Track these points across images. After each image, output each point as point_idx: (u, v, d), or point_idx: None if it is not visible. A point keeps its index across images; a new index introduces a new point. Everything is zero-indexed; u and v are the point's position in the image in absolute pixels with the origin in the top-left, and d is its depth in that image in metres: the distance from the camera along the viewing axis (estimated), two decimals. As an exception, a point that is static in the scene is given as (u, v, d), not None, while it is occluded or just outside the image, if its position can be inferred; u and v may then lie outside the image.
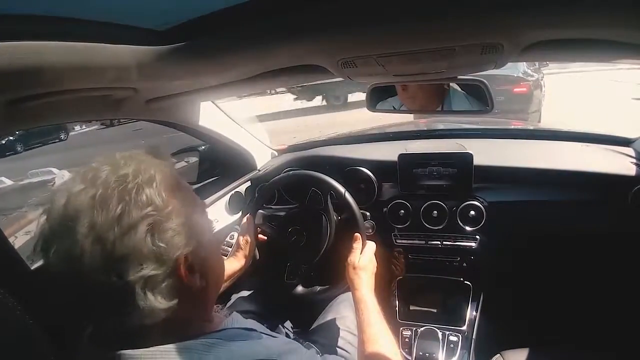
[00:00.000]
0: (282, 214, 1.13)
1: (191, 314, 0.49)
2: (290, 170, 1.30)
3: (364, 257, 0.89)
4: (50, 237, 0.42)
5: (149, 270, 0.41)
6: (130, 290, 0.40)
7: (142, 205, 0.41)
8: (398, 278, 1.28)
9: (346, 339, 0.96)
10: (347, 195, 1.00)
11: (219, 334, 0.49)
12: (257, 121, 1.50)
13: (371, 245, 0.93)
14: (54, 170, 6.49)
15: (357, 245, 0.92)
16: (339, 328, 0.99)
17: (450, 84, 0.92)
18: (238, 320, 0.57)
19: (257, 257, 1.07)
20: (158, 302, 0.42)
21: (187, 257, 0.45)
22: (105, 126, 17.04)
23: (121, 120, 16.11)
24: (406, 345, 1.11)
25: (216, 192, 1.27)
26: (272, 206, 1.30)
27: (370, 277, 0.88)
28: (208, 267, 0.50)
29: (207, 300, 0.53)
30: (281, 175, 1.15)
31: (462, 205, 1.16)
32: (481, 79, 0.84)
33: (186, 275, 0.45)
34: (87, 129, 17.59)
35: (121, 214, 0.40)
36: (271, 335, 0.60)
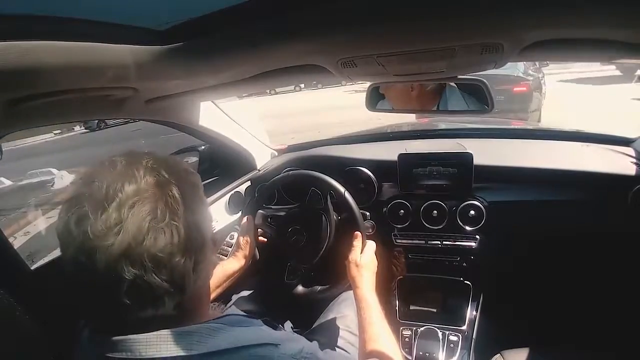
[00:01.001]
0: (282, 214, 1.13)
1: (199, 296, 0.52)
2: (290, 170, 1.30)
3: (365, 255, 0.90)
4: (123, 205, 0.40)
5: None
6: (206, 244, 0.48)
7: (198, 184, 0.51)
8: (398, 278, 1.28)
9: (346, 339, 0.96)
10: (347, 195, 1.00)
11: (221, 319, 0.50)
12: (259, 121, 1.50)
13: (371, 244, 0.93)
14: (53, 170, 6.47)
15: (357, 243, 0.92)
16: (339, 328, 0.99)
17: (447, 83, 0.92)
18: (237, 311, 0.59)
19: (257, 257, 1.07)
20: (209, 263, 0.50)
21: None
22: (89, 130, 16.58)
23: (108, 123, 15.91)
24: (406, 345, 1.12)
25: (216, 192, 1.27)
26: (272, 206, 1.30)
27: (372, 275, 0.88)
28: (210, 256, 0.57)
29: (208, 288, 0.57)
30: (281, 175, 1.15)
31: (462, 205, 1.16)
32: (481, 79, 0.84)
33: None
34: (70, 134, 17.22)
35: (195, 186, 0.49)
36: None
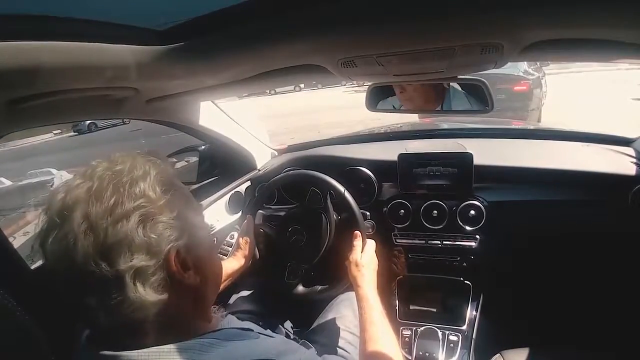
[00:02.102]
0: (282, 214, 1.13)
1: (187, 311, 0.49)
2: (290, 170, 1.30)
3: (365, 254, 0.90)
4: (48, 229, 0.43)
5: (139, 260, 0.42)
6: (120, 279, 0.41)
7: (135, 197, 0.43)
8: (398, 278, 1.28)
9: (346, 339, 0.96)
10: (347, 194, 1.00)
11: (216, 333, 0.49)
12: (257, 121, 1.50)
13: (372, 243, 0.93)
14: (53, 170, 6.44)
15: (358, 242, 0.92)
16: (338, 328, 0.99)
17: (451, 83, 0.92)
18: (234, 321, 0.58)
19: (257, 257, 1.07)
20: (148, 294, 0.43)
21: (180, 252, 0.46)
22: (78, 133, 16.11)
23: (98, 126, 15.67)
24: (406, 345, 1.12)
25: (216, 192, 1.27)
26: (271, 206, 1.30)
27: (373, 274, 0.88)
28: (203, 265, 0.50)
29: (205, 298, 0.53)
30: (281, 174, 1.15)
31: (462, 205, 1.16)
32: (481, 79, 0.84)
33: (178, 270, 0.45)
34: (69, 135, 16.81)
35: (114, 204, 0.42)
36: (269, 336, 0.60)
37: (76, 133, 16.42)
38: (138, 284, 0.42)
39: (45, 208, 0.44)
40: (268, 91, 14.50)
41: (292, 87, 16.23)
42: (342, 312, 1.04)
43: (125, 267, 0.41)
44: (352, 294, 1.04)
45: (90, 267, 0.41)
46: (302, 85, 15.52)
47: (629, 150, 1.17)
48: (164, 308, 0.44)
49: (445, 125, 1.94)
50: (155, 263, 0.43)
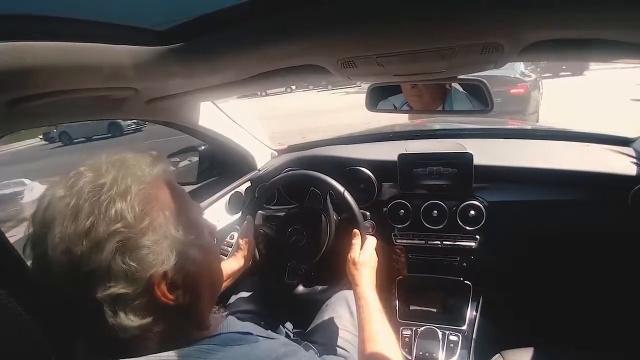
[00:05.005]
0: (282, 214, 1.13)
1: (179, 325, 0.47)
2: (290, 170, 1.30)
3: (364, 253, 0.90)
4: (31, 240, 0.42)
5: (117, 288, 0.40)
6: (97, 306, 0.40)
7: (110, 221, 0.40)
8: (398, 278, 1.28)
9: (345, 338, 0.96)
10: (346, 194, 1.00)
11: (214, 339, 0.48)
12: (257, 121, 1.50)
13: (371, 241, 0.93)
14: (26, 181, 5.97)
15: (357, 241, 0.92)
16: (337, 327, 0.99)
17: (452, 84, 0.92)
18: (234, 324, 0.56)
19: (257, 258, 1.07)
20: (129, 320, 0.41)
21: (167, 274, 0.43)
22: (47, 142, 15.21)
23: (72, 137, 15.28)
24: (406, 345, 1.12)
25: (216, 192, 1.27)
26: (271, 206, 1.30)
27: (371, 272, 0.88)
28: (196, 282, 0.47)
29: (198, 311, 0.50)
30: (281, 175, 1.15)
31: (462, 205, 1.16)
32: (481, 79, 0.85)
33: (163, 294, 0.43)
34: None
35: (90, 227, 0.39)
36: (268, 337, 0.59)
37: (46, 142, 15.30)
38: (118, 311, 0.40)
39: (32, 215, 0.43)
40: (258, 93, 14.37)
41: (282, 89, 16.03)
42: (338, 311, 1.04)
43: (103, 295, 0.39)
44: (346, 292, 1.04)
45: (66, 291, 0.40)
46: (293, 87, 15.42)
47: (629, 150, 1.17)
48: (150, 328, 0.43)
49: (445, 126, 1.94)
50: (136, 289, 0.41)
